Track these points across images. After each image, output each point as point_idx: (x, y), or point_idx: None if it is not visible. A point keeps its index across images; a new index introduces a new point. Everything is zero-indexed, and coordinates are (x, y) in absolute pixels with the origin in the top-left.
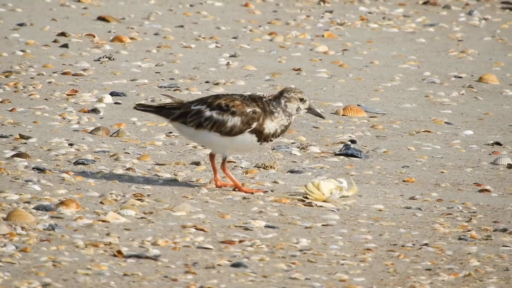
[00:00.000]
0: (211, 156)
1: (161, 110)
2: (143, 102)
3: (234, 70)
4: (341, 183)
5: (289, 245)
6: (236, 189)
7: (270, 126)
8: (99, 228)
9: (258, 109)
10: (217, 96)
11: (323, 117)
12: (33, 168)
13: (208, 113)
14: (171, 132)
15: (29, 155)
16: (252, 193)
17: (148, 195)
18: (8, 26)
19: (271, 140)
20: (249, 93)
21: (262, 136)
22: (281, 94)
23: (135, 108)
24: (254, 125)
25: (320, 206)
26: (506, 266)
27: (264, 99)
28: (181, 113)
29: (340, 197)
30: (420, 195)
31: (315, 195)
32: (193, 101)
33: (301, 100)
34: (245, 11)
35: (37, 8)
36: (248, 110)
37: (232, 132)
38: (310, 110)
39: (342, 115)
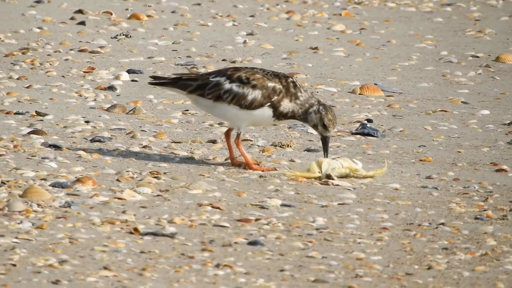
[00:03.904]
0: (227, 134)
1: (176, 82)
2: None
3: (251, 48)
4: (356, 163)
5: (305, 224)
6: (247, 167)
7: (286, 105)
8: (115, 206)
9: (279, 86)
10: (237, 69)
11: (325, 156)
12: (50, 145)
13: (227, 85)
14: (187, 110)
15: (45, 132)
16: (262, 171)
17: (165, 173)
18: (25, 3)
19: (282, 119)
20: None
21: (276, 112)
22: (321, 103)
23: (150, 83)
24: (274, 99)
25: (337, 185)
26: None
27: (290, 79)
28: (199, 85)
29: (353, 176)
30: (437, 174)
31: (297, 172)
32: (210, 73)
33: (324, 126)
34: None
35: None
36: (269, 84)
37: (252, 105)
38: (323, 141)
39: (359, 94)
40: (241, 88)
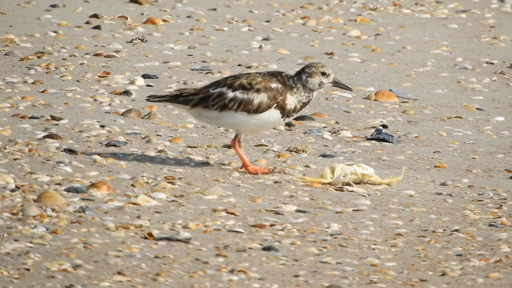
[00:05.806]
0: (233, 144)
1: (177, 98)
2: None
3: (266, 53)
4: (366, 169)
5: (320, 230)
6: (243, 167)
7: (290, 101)
8: (130, 211)
9: (279, 85)
10: (236, 77)
11: (350, 89)
12: (65, 150)
13: (231, 94)
14: None
15: (60, 137)
16: (256, 173)
17: (180, 178)
18: (40, 7)
19: (292, 116)
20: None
21: (285, 112)
22: (303, 69)
23: (147, 100)
24: (280, 99)
25: (351, 191)
26: None
27: (283, 73)
28: (201, 98)
29: (366, 183)
30: (451, 181)
31: (310, 178)
32: (209, 85)
33: (323, 74)
34: None
35: None
36: (272, 85)
37: (260, 109)
38: (336, 83)
39: (374, 100)
40: (245, 94)
